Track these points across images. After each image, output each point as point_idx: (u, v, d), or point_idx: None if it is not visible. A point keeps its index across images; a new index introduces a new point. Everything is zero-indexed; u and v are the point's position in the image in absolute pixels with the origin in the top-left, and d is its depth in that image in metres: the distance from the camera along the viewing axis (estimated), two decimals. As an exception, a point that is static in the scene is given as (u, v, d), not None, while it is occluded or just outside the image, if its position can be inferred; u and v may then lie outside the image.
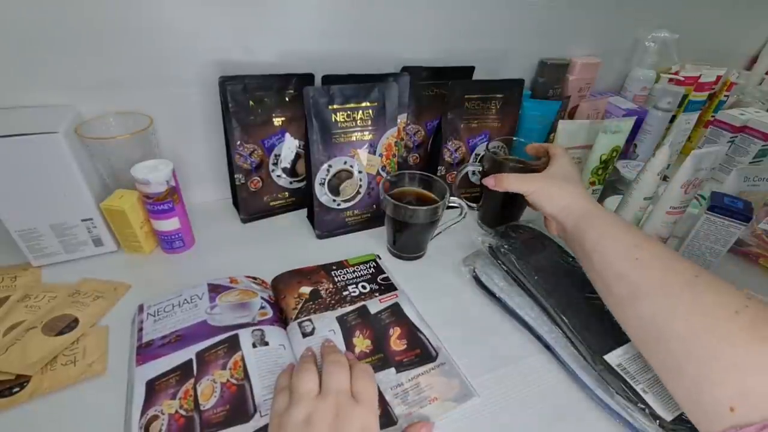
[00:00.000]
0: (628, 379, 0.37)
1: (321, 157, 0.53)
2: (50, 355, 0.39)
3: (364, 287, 0.49)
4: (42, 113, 0.46)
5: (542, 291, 0.45)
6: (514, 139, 0.61)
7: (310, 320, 0.44)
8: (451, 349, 0.43)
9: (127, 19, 0.47)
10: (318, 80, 0.57)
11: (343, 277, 0.50)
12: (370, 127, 0.55)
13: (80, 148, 0.46)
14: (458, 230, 0.58)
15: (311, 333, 0.43)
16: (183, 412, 0.34)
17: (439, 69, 0.64)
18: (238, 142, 0.55)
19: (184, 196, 0.53)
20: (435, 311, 0.48)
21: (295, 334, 0.43)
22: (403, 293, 0.49)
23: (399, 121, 0.58)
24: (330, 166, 0.54)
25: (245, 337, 0.40)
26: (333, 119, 0.52)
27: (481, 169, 0.60)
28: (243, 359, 0.38)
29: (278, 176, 0.60)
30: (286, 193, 0.62)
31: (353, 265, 0.53)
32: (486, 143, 0.65)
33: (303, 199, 0.64)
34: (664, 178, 0.56)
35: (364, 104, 0.54)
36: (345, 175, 0.56)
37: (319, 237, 0.59)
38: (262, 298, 0.46)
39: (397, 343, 0.43)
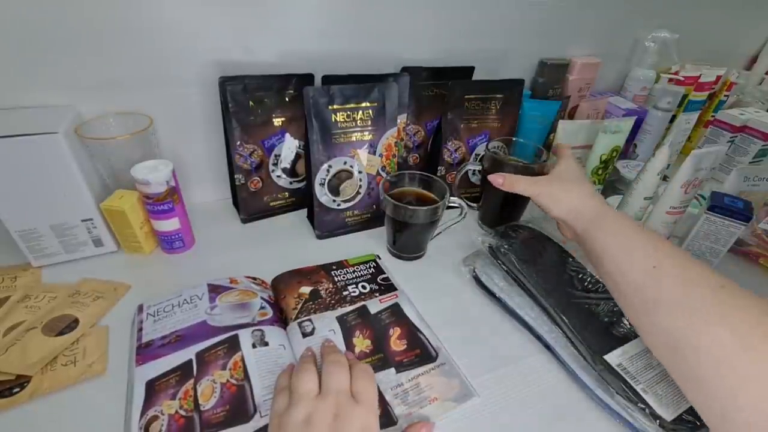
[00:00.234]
0: (628, 379, 0.37)
1: (321, 158, 0.53)
2: (50, 355, 0.39)
3: (364, 287, 0.49)
4: (42, 113, 0.46)
5: (542, 291, 0.45)
6: (514, 139, 0.62)
7: (310, 320, 0.44)
8: (451, 349, 0.43)
9: (127, 19, 0.47)
10: (318, 80, 0.57)
11: (343, 277, 0.50)
12: (370, 128, 0.55)
13: (80, 148, 0.46)
14: (458, 230, 0.58)
15: (311, 333, 0.43)
16: (183, 413, 0.34)
17: (439, 69, 0.64)
18: (238, 143, 0.55)
19: (184, 196, 0.53)
20: (435, 311, 0.48)
21: (295, 334, 0.43)
22: (403, 293, 0.49)
23: (399, 121, 0.58)
24: (330, 166, 0.54)
25: (245, 337, 0.40)
26: (333, 119, 0.52)
27: (481, 169, 0.60)
28: (243, 359, 0.38)
29: (278, 176, 0.60)
30: (286, 194, 0.62)
31: (353, 265, 0.53)
32: (486, 143, 0.65)
33: (303, 199, 0.64)
34: (664, 178, 0.56)
35: (364, 104, 0.54)
36: (345, 175, 0.56)
37: (319, 237, 0.59)
38: (262, 298, 0.46)
39: (397, 343, 0.43)
